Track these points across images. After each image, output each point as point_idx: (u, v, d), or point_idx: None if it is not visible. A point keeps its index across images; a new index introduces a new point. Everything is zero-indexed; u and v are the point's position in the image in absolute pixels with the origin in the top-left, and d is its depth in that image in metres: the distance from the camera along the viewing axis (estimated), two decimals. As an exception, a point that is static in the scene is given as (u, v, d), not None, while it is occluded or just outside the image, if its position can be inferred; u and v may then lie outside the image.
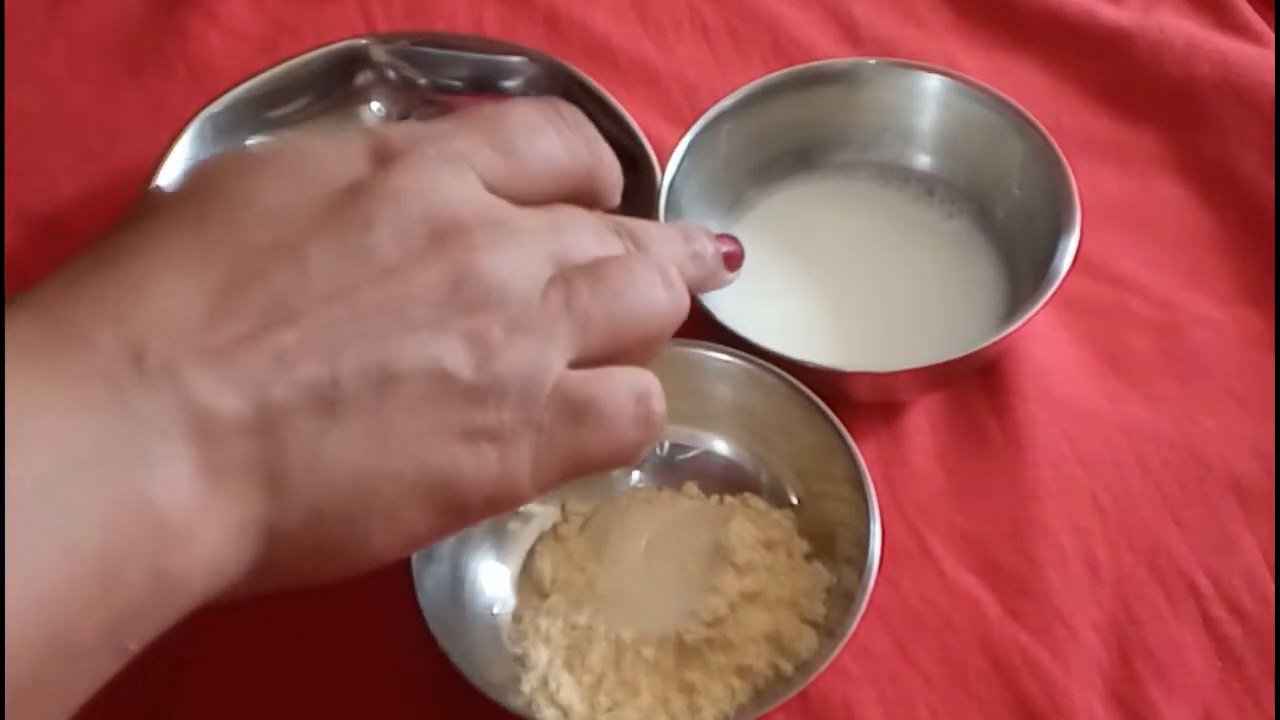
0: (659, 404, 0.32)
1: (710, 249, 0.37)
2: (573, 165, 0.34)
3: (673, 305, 0.33)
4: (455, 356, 0.29)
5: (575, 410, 0.30)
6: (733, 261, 0.38)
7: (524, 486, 0.30)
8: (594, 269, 0.32)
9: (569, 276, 0.31)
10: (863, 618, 0.38)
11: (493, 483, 0.29)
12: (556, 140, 0.33)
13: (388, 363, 0.28)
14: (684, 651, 0.41)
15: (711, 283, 0.37)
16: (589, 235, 0.33)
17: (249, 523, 0.27)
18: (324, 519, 0.27)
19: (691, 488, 0.46)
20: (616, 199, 0.36)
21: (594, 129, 0.35)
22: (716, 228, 0.52)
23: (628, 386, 0.31)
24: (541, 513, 0.45)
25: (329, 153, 0.30)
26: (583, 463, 0.31)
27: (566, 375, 0.30)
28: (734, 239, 0.38)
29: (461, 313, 0.29)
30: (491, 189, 0.31)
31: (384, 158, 0.30)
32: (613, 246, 0.33)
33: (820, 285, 0.51)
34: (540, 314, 0.30)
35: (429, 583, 0.40)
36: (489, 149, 0.32)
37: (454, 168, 0.30)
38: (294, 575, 0.28)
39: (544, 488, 0.31)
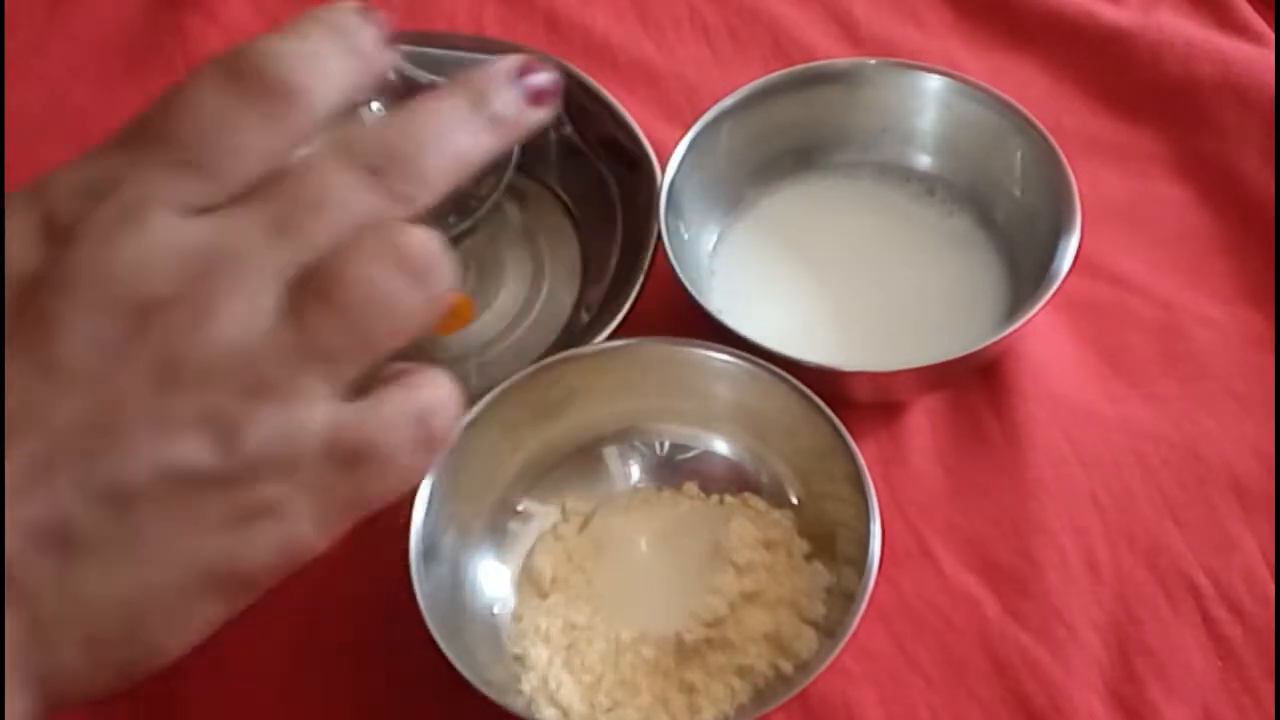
0: (442, 419, 0.29)
1: (509, 102, 0.32)
2: (284, 141, 0.29)
3: (424, 298, 0.29)
4: (191, 450, 0.26)
5: (349, 459, 0.27)
6: (543, 98, 0.32)
7: (310, 546, 0.28)
8: (324, 287, 0.27)
9: (300, 309, 0.27)
10: (863, 618, 0.38)
11: (276, 554, 0.27)
12: (254, 121, 0.29)
13: (115, 481, 0.25)
14: (684, 651, 0.41)
15: (523, 132, 0.32)
16: (330, 208, 0.28)
17: (24, 675, 0.25)
18: (103, 644, 0.26)
19: (691, 488, 0.46)
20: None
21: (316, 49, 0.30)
22: (716, 227, 0.53)
23: (403, 414, 0.28)
24: (541, 513, 0.45)
25: None
26: (371, 502, 0.28)
27: (330, 423, 0.27)
28: (544, 67, 0.33)
29: (185, 399, 0.26)
30: (196, 210, 0.28)
31: (54, 235, 0.27)
32: (365, 199, 0.29)
33: (820, 285, 0.51)
34: (277, 367, 0.27)
35: (429, 583, 0.40)
36: (172, 169, 0.28)
37: (135, 223, 0.27)
38: (100, 690, 0.26)
39: (335, 537, 0.28)
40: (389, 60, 0.34)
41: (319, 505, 0.27)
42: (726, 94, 0.51)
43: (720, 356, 0.44)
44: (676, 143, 0.50)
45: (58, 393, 0.25)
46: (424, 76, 0.56)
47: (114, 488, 0.25)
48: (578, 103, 0.54)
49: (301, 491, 0.27)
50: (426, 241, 0.30)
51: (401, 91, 0.56)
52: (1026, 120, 0.50)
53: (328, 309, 0.27)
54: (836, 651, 0.38)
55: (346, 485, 0.28)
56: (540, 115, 0.33)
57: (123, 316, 0.26)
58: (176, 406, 0.26)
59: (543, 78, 0.33)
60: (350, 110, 0.58)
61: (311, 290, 0.28)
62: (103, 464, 0.25)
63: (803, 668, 0.40)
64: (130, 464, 0.25)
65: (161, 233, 0.27)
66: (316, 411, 0.27)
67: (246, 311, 0.27)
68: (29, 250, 0.27)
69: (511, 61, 0.33)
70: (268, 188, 0.29)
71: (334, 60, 0.31)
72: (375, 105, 0.56)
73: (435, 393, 0.29)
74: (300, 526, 0.27)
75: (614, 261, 0.51)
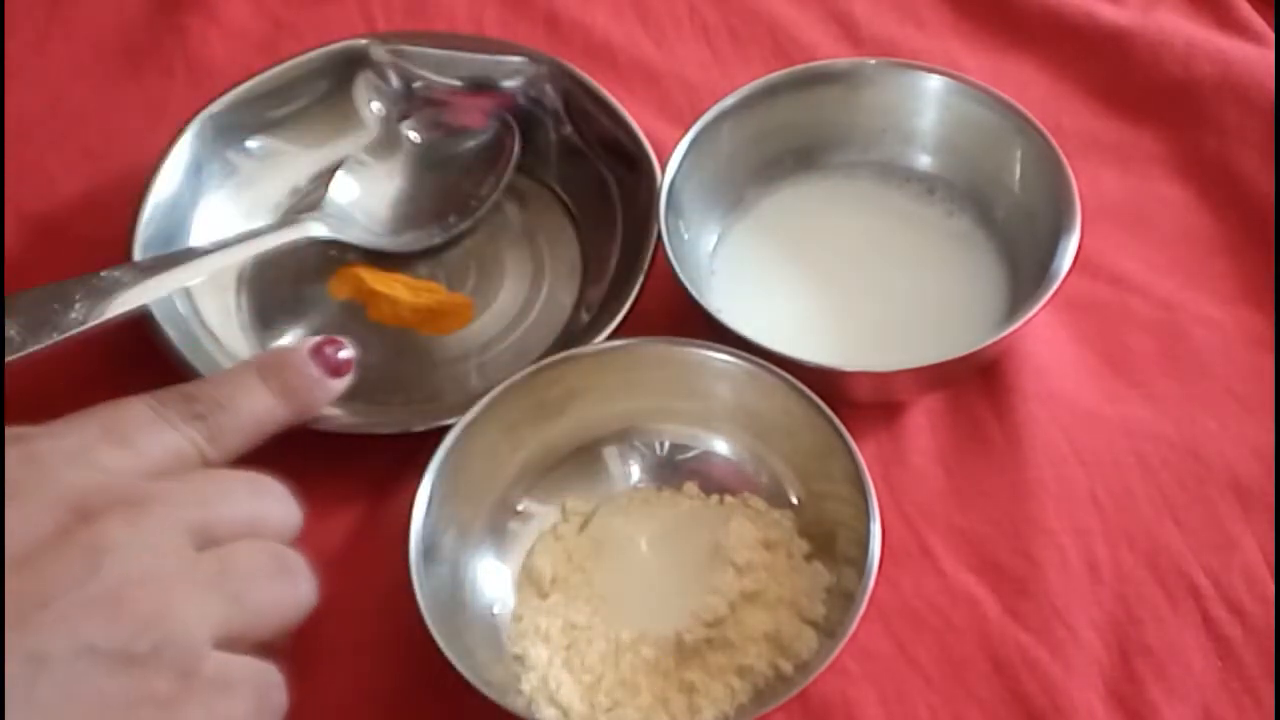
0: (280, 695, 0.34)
1: (304, 381, 0.41)
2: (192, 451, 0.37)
3: (310, 597, 0.36)
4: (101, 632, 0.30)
5: (223, 688, 0.32)
6: (341, 369, 0.42)
7: None
8: (242, 550, 0.34)
9: (220, 555, 0.33)
10: (863, 618, 0.38)
11: None
12: (165, 432, 0.36)
13: (35, 650, 0.29)
14: (684, 651, 0.41)
15: (320, 399, 0.41)
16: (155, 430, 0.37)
17: None
18: None
19: (691, 488, 0.46)
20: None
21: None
22: (716, 227, 0.53)
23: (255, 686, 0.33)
24: (541, 513, 0.45)
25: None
26: None
27: (214, 656, 0.32)
28: (339, 345, 0.42)
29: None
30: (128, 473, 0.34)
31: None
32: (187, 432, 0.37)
33: (820, 285, 0.51)
34: (193, 591, 0.32)
35: (429, 583, 0.40)
36: (107, 444, 0.35)
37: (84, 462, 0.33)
38: None
39: None
40: (331, 391, 0.42)
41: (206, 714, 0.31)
42: (726, 94, 0.51)
43: (720, 356, 0.44)
44: (676, 143, 0.50)
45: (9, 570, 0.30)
46: (424, 76, 0.56)
47: (33, 655, 0.29)
48: (578, 103, 0.54)
49: (192, 698, 0.31)
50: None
51: (402, 92, 0.56)
52: (1026, 120, 0.50)
53: (246, 562, 0.33)
54: (836, 651, 0.38)
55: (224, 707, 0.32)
56: (340, 385, 0.42)
57: (72, 510, 0.32)
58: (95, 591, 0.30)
59: (336, 354, 0.42)
60: (350, 110, 0.59)
61: (230, 546, 0.34)
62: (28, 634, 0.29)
63: (803, 668, 0.40)
64: (49, 637, 0.29)
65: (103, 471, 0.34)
66: (208, 631, 0.32)
67: (172, 534, 0.32)
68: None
69: (310, 340, 0.42)
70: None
71: (258, 399, 0.40)
72: (375, 105, 0.56)
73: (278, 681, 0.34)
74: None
75: (614, 261, 0.51)
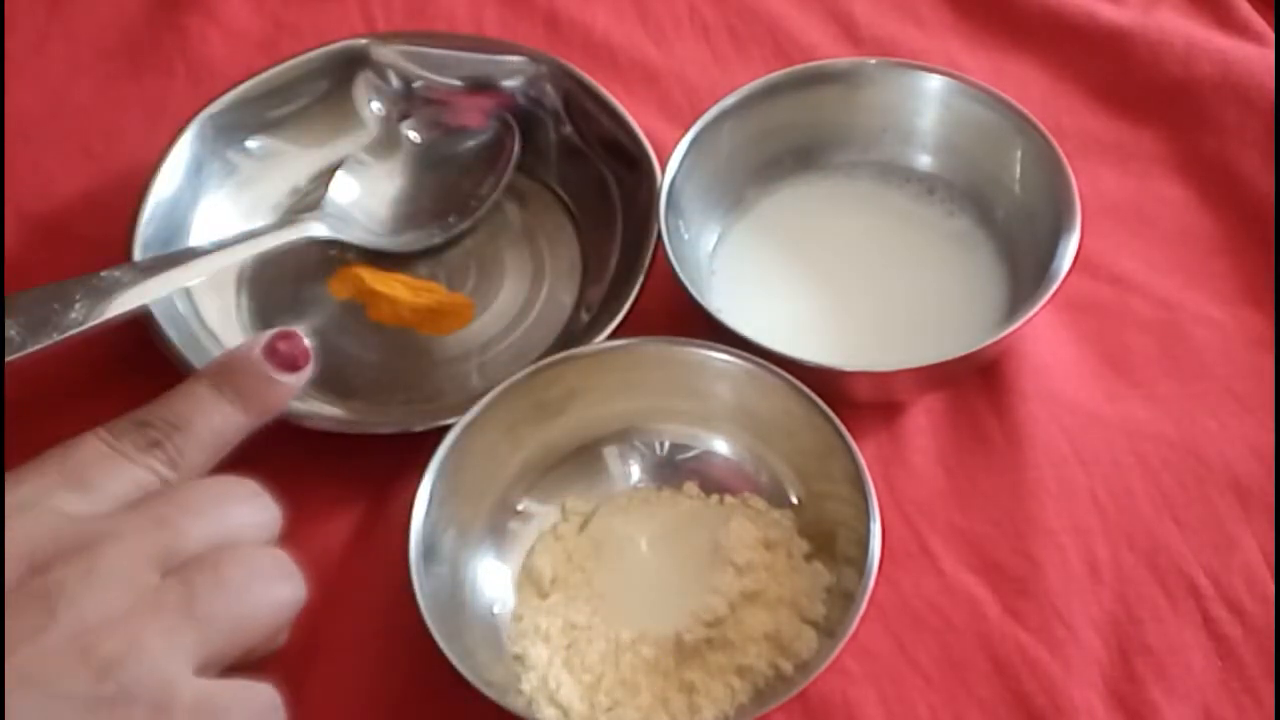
0: (277, 716, 0.34)
1: (254, 379, 0.39)
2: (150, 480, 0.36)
3: (295, 596, 0.35)
4: (69, 678, 0.30)
5: (210, 715, 0.31)
6: (296, 363, 0.40)
7: None
8: (211, 566, 0.33)
9: (186, 577, 0.32)
10: (863, 618, 0.38)
11: None
12: (123, 466, 0.35)
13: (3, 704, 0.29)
14: (684, 651, 0.41)
15: (277, 401, 0.39)
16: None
17: None
18: None
19: (691, 488, 0.46)
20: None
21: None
22: (716, 227, 0.53)
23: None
24: (541, 513, 0.45)
25: None
26: None
27: (193, 684, 0.31)
28: (291, 335, 0.40)
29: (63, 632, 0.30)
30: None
31: None
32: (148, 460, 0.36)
33: (820, 285, 0.51)
34: (157, 623, 0.31)
35: (429, 583, 0.40)
36: (65, 490, 0.34)
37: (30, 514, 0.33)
38: None
39: None
40: (292, 388, 0.40)
41: None
42: (726, 94, 0.51)
43: (720, 356, 0.44)
44: (676, 143, 0.50)
45: None
46: (424, 76, 0.56)
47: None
48: (578, 102, 0.54)
49: None
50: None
51: (402, 92, 0.56)
52: (1026, 120, 0.50)
53: (214, 577, 0.32)
54: (836, 651, 0.38)
55: None
56: (301, 378, 0.40)
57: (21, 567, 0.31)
58: (53, 640, 0.30)
59: (289, 345, 0.39)
60: (350, 110, 0.59)
61: (198, 565, 0.33)
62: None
63: (803, 668, 0.40)
64: (13, 692, 0.29)
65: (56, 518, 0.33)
66: (184, 665, 0.31)
67: (129, 568, 0.32)
68: None
69: (261, 338, 0.39)
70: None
71: (214, 411, 0.38)
72: (375, 105, 0.56)
73: (277, 702, 0.34)
74: None
75: (614, 261, 0.51)
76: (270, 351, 0.39)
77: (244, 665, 0.34)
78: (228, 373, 0.39)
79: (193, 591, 0.32)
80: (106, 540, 0.32)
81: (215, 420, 0.38)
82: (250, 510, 0.36)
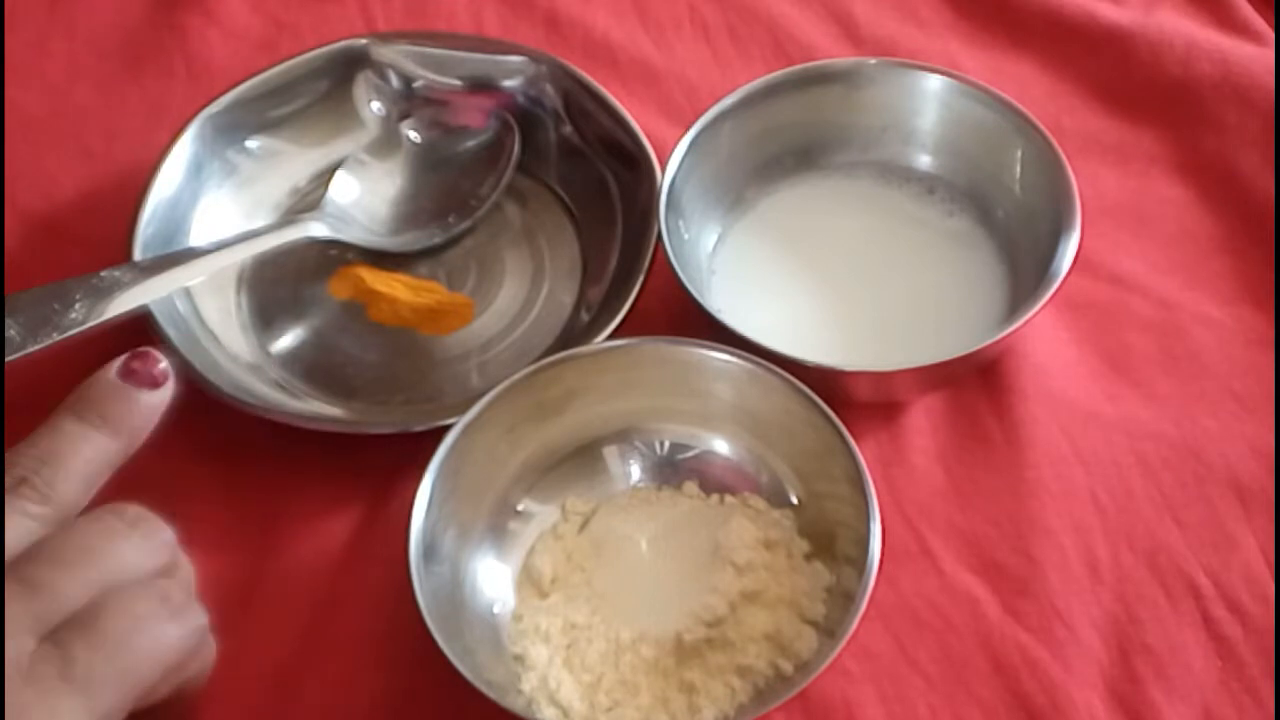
0: None
1: (118, 403, 0.37)
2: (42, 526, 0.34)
3: (184, 632, 0.33)
4: None
5: None
6: (159, 380, 0.38)
7: None
8: (88, 622, 0.31)
9: (61, 640, 0.31)
10: (863, 618, 0.38)
11: None
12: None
13: None
14: (684, 651, 0.41)
15: (146, 419, 0.37)
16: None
17: None
18: None
19: (691, 487, 0.46)
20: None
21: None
22: (716, 227, 0.53)
23: None
24: (541, 513, 0.45)
25: None
26: None
27: None
28: (148, 354, 0.38)
29: None
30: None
31: None
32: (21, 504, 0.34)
33: (820, 285, 0.51)
34: (34, 694, 0.30)
35: (429, 583, 0.40)
36: None
37: None
38: None
39: None
40: (156, 406, 0.38)
41: None
42: (726, 94, 0.51)
43: (720, 356, 0.44)
44: (676, 143, 0.50)
45: None
46: (424, 76, 0.56)
47: None
48: (578, 102, 0.54)
49: None
50: (184, 584, 0.35)
51: (403, 92, 0.56)
52: (1026, 120, 0.50)
53: (92, 639, 0.31)
54: (836, 651, 0.38)
55: None
56: (164, 394, 0.38)
57: None
58: None
59: (143, 364, 0.38)
60: (350, 110, 0.59)
61: (78, 624, 0.31)
62: None
63: (803, 668, 0.40)
64: None
65: None
66: None
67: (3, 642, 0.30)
68: None
69: (115, 361, 0.37)
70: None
71: (79, 441, 0.36)
72: (375, 105, 0.56)
73: None
74: None
75: (614, 261, 0.51)
76: (127, 373, 0.37)
77: (160, 705, 0.33)
78: (88, 401, 0.37)
79: (69, 655, 0.31)
80: None
81: (85, 450, 0.36)
82: (130, 546, 0.34)
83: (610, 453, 0.46)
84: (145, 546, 0.34)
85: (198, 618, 0.34)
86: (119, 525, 0.34)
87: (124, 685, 0.31)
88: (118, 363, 0.37)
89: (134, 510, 0.35)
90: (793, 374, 0.43)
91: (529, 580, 0.44)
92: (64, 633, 0.31)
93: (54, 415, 0.37)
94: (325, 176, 0.54)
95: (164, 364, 0.38)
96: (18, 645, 0.30)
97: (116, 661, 0.31)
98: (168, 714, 0.32)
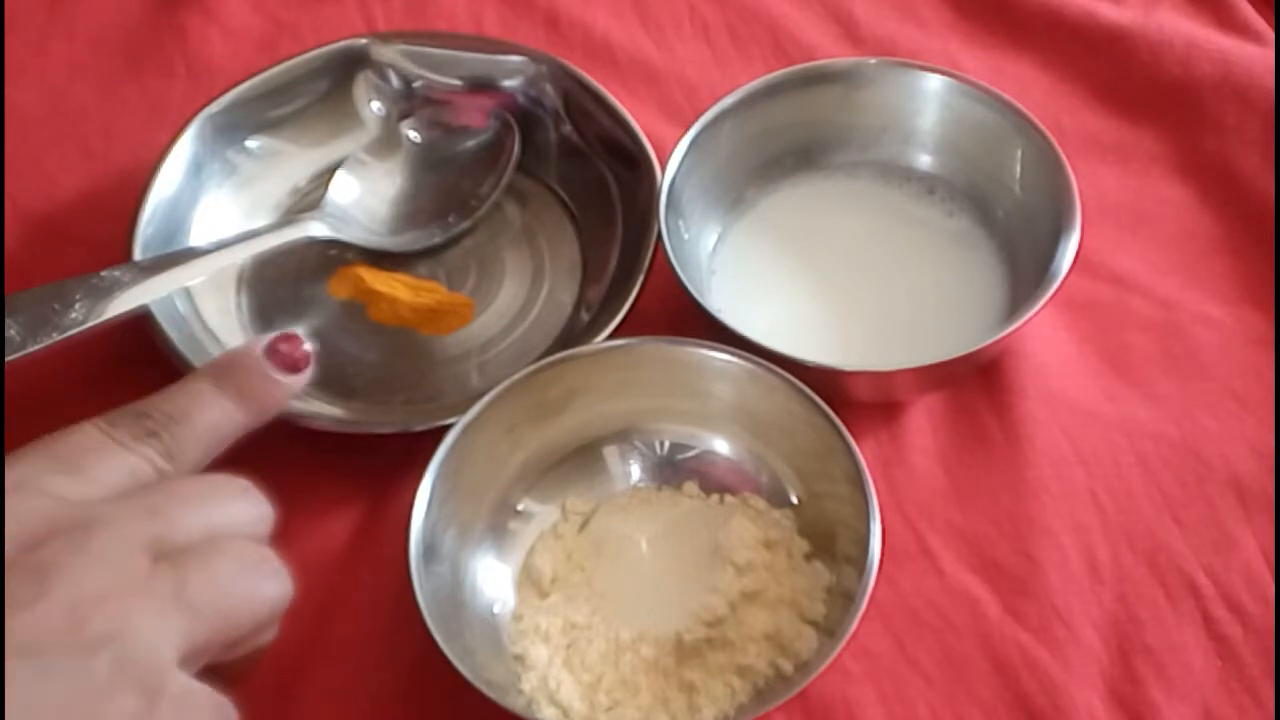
0: None
1: (255, 378, 0.39)
2: (148, 473, 0.35)
3: (280, 594, 0.34)
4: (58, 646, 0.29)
5: (188, 710, 0.31)
6: (298, 365, 0.40)
7: None
8: (204, 555, 0.33)
9: (178, 563, 0.32)
10: (863, 618, 0.38)
11: None
12: (117, 454, 0.35)
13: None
14: (684, 651, 0.41)
15: (277, 400, 0.39)
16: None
17: None
18: None
19: (691, 487, 0.46)
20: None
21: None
22: (716, 227, 0.53)
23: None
24: (541, 512, 0.45)
25: None
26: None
27: (179, 677, 0.31)
28: (293, 339, 0.40)
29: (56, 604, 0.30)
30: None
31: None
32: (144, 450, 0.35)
33: (820, 285, 0.51)
34: (148, 605, 0.31)
35: (429, 583, 0.40)
36: (58, 473, 0.33)
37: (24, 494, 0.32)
38: None
39: None
40: (290, 389, 0.40)
41: None
42: (726, 94, 0.51)
43: (720, 356, 0.44)
44: (676, 143, 0.50)
45: None
46: (424, 76, 0.56)
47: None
48: (578, 102, 0.54)
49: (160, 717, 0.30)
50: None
51: (403, 92, 0.56)
52: (1026, 120, 0.50)
53: (204, 567, 0.32)
54: (836, 651, 0.38)
55: None
56: (301, 380, 0.40)
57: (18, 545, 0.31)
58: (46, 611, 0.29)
59: (289, 347, 0.40)
60: (350, 110, 0.59)
61: (190, 554, 0.32)
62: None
63: (803, 667, 0.40)
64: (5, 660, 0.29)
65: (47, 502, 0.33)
66: (170, 648, 0.31)
67: (121, 551, 0.31)
68: None
69: (263, 339, 0.40)
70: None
71: (213, 407, 0.38)
72: (375, 105, 0.57)
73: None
74: None
75: (614, 261, 0.51)
76: (271, 352, 0.39)
77: (224, 667, 0.34)
78: (229, 371, 0.39)
79: (183, 578, 0.32)
80: (99, 523, 0.32)
81: (213, 416, 0.38)
82: (241, 507, 0.36)
83: (610, 453, 0.46)
84: (254, 512, 0.36)
85: (290, 586, 0.35)
86: (233, 487, 0.36)
87: (222, 623, 0.32)
88: (265, 339, 0.40)
89: (245, 481, 0.36)
90: (793, 374, 0.43)
91: (529, 580, 0.44)
92: (179, 559, 0.32)
93: (191, 377, 0.38)
94: (325, 176, 0.54)
95: (307, 347, 0.40)
96: (135, 559, 0.31)
97: (222, 600, 0.32)
98: (222, 683, 0.33)
